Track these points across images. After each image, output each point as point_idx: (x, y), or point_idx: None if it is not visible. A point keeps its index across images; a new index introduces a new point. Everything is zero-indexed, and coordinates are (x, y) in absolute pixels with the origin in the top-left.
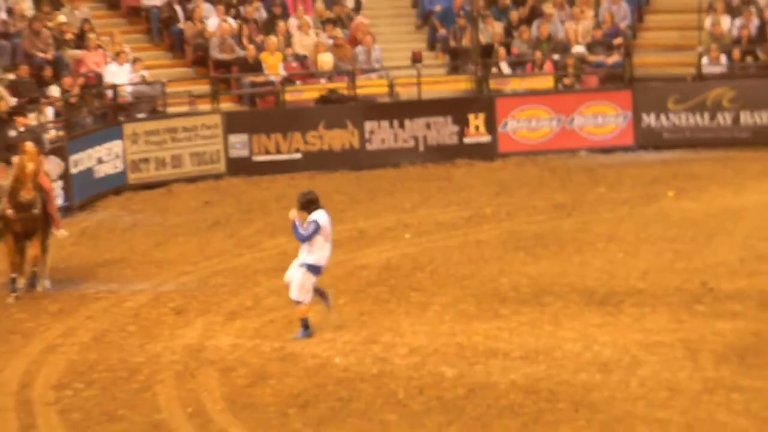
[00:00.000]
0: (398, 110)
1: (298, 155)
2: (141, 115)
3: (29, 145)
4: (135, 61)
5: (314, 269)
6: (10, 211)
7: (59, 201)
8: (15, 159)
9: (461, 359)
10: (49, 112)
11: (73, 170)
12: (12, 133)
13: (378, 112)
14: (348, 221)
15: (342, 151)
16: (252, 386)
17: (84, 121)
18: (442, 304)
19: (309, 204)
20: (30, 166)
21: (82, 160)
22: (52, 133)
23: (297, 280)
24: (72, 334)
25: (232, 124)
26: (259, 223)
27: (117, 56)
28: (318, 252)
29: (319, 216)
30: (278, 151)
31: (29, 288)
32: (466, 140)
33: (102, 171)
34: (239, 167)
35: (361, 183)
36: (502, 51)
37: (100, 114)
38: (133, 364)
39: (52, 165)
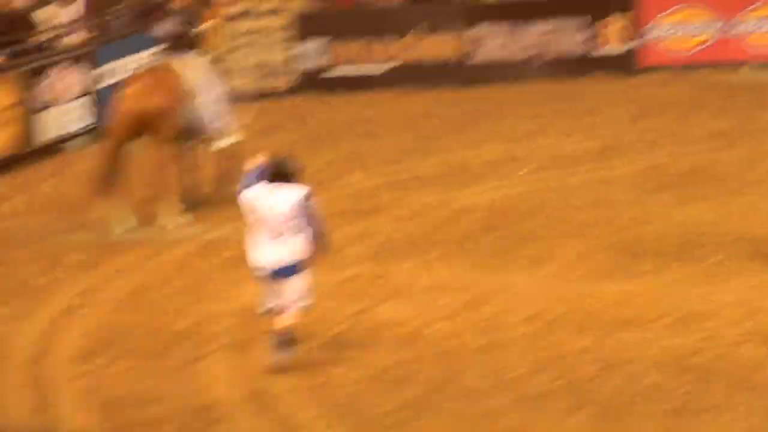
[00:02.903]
0: (512, 11)
1: (384, 67)
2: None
3: None
4: None
5: None
6: None
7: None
8: None
9: (589, 329)
10: (74, 11)
11: (102, 84)
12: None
13: (486, 13)
14: (444, 152)
15: (440, 64)
16: (326, 362)
17: (116, 23)
18: (565, 259)
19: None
20: None
21: (113, 72)
22: (75, 38)
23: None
24: (97, 292)
25: (303, 27)
26: (330, 154)
27: None
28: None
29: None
30: (360, 63)
31: None
32: (598, 51)
33: None
34: (310, 82)
35: (462, 104)
36: None
37: (137, 14)
38: (174, 331)
39: None
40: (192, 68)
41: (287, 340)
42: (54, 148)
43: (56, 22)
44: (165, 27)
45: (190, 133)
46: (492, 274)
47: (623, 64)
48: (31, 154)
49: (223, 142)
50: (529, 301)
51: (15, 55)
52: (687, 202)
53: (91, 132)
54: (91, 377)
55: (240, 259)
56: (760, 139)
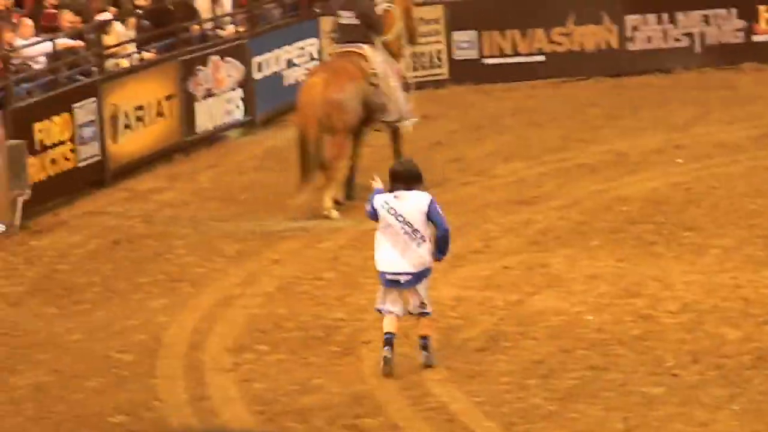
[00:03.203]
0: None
1: (540, 57)
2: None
3: None
4: None
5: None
6: None
7: (239, 114)
8: None
9: (747, 318)
10: (227, 3)
11: (257, 75)
12: None
13: (642, 1)
14: (604, 141)
15: (596, 53)
16: (481, 351)
17: (270, 14)
18: (724, 248)
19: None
20: None
21: (268, 63)
22: (230, 29)
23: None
24: (254, 282)
25: (457, 17)
26: (490, 144)
27: None
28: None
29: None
30: (515, 53)
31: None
32: (757, 38)
33: (292, 77)
34: (466, 72)
35: (620, 93)
36: None
37: (291, 4)
38: (330, 320)
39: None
40: (377, 55)
41: (427, 344)
42: (212, 138)
43: (214, 11)
44: (349, 14)
45: (372, 120)
46: (649, 263)
47: None
48: (190, 144)
49: (407, 124)
50: (685, 291)
51: (174, 46)
52: None
53: (249, 122)
54: (246, 368)
55: None
56: None
